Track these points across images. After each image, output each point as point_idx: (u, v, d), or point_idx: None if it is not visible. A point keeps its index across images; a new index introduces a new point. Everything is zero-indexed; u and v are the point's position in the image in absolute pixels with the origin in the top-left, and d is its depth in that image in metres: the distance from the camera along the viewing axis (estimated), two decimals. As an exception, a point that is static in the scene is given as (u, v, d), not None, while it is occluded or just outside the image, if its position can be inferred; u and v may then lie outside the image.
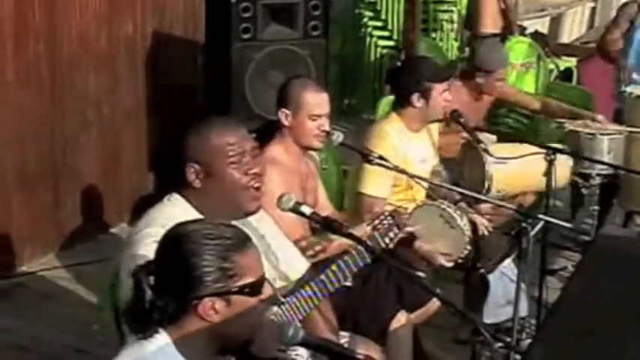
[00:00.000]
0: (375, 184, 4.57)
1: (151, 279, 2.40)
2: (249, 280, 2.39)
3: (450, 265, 4.54)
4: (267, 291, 2.46)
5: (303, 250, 3.80)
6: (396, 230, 3.72)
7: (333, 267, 3.47)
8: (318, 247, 3.91)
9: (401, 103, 4.83)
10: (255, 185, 3.13)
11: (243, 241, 2.44)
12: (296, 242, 3.80)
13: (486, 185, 5.06)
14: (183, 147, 3.10)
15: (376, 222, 3.73)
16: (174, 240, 2.42)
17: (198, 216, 3.07)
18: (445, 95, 4.79)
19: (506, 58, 6.28)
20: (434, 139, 5.03)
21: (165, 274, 2.40)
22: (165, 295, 2.38)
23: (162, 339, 2.40)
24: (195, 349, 2.41)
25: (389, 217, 3.73)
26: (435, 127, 5.06)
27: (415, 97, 4.73)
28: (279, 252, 3.42)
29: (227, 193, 3.09)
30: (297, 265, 3.50)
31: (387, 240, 3.70)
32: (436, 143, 5.04)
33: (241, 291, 2.38)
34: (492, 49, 6.19)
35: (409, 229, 4.06)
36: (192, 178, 3.08)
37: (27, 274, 5.81)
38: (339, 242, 3.82)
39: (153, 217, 3.09)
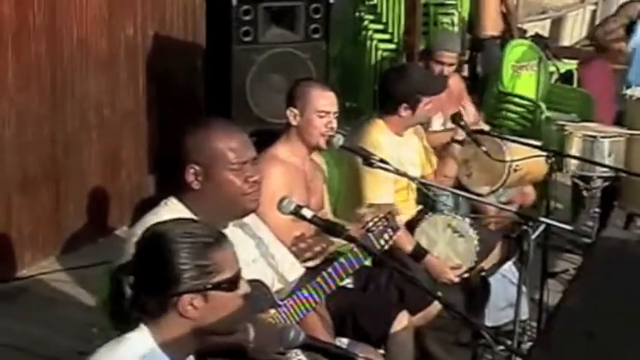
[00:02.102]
0: (380, 191, 4.56)
1: (131, 278, 2.46)
2: (225, 275, 2.45)
3: (457, 280, 4.56)
4: (244, 287, 2.50)
5: (302, 252, 3.80)
6: (391, 232, 3.73)
7: (330, 269, 3.48)
8: (317, 248, 3.91)
9: (386, 110, 4.85)
10: (253, 194, 3.13)
11: (218, 239, 2.49)
12: (293, 244, 3.80)
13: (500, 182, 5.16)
14: (184, 147, 3.10)
15: (370, 224, 3.73)
16: (152, 239, 2.49)
17: (194, 218, 3.06)
18: (429, 106, 4.85)
19: (455, 46, 6.10)
20: (425, 145, 5.06)
21: (143, 273, 2.46)
22: (145, 294, 2.44)
23: (142, 334, 2.44)
24: (176, 345, 2.45)
25: (383, 219, 3.74)
26: (423, 136, 5.09)
27: (402, 108, 4.78)
28: (277, 254, 3.42)
29: (225, 197, 3.09)
30: (293, 267, 3.50)
31: (382, 242, 3.70)
32: (428, 150, 5.08)
33: (218, 286, 2.44)
34: (445, 33, 6.28)
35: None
36: (191, 179, 3.07)
37: (28, 277, 5.80)
38: (337, 244, 3.82)
39: (148, 220, 3.08)
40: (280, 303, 3.32)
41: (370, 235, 3.68)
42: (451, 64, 5.97)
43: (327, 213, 4.36)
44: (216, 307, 2.44)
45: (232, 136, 3.11)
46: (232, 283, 2.46)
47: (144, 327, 2.45)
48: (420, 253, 4.55)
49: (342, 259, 3.48)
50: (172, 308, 2.42)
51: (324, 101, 4.20)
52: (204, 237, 2.46)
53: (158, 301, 2.43)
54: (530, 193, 5.80)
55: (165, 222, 2.55)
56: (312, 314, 3.47)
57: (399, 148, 4.79)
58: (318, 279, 3.44)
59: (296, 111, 4.19)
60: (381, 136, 4.75)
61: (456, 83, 6.08)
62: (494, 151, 5.06)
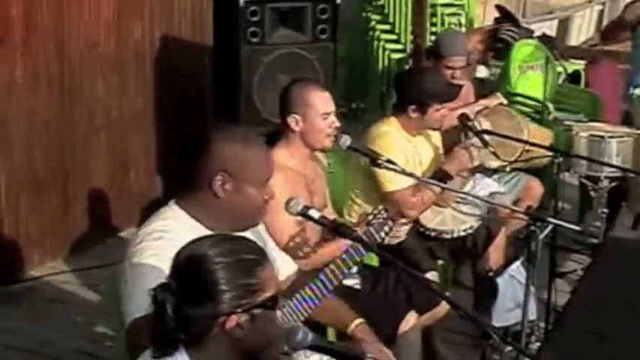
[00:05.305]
0: (396, 177, 4.57)
1: (173, 297, 2.38)
2: (270, 293, 2.41)
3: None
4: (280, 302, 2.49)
5: (297, 247, 3.79)
6: (391, 224, 3.73)
7: (331, 266, 3.50)
8: (313, 240, 3.90)
9: (398, 110, 4.93)
10: (263, 211, 3.19)
11: (262, 255, 2.45)
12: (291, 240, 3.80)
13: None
14: (217, 153, 3.07)
15: (370, 217, 3.74)
16: (195, 259, 2.40)
17: (196, 225, 3.07)
18: (442, 111, 4.84)
19: (463, 49, 5.99)
20: (436, 144, 5.06)
21: (188, 294, 2.38)
22: (189, 314, 2.36)
23: (181, 357, 2.38)
24: None
25: (382, 212, 3.74)
26: (437, 135, 5.09)
27: (411, 109, 4.82)
28: (274, 254, 3.41)
29: (241, 210, 3.10)
30: (288, 266, 3.51)
31: (382, 234, 3.71)
32: (439, 149, 5.08)
33: (264, 305, 2.40)
34: (451, 35, 6.20)
35: None
36: (217, 186, 3.06)
37: (36, 278, 5.82)
38: (336, 242, 3.82)
39: (150, 228, 3.09)
40: (284, 303, 3.33)
41: (370, 228, 3.70)
42: (461, 67, 5.95)
43: (330, 212, 4.36)
44: (261, 325, 2.40)
45: (265, 155, 3.19)
46: (276, 300, 2.44)
47: (183, 351, 2.38)
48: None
49: (344, 256, 3.52)
50: (217, 329, 2.36)
51: (324, 101, 4.18)
52: (247, 254, 2.42)
53: (203, 321, 2.36)
54: (536, 187, 5.76)
55: (205, 240, 2.48)
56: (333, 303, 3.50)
57: (407, 146, 4.83)
58: (321, 277, 3.47)
59: (298, 117, 4.14)
60: (389, 128, 4.84)
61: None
62: (514, 127, 5.24)
